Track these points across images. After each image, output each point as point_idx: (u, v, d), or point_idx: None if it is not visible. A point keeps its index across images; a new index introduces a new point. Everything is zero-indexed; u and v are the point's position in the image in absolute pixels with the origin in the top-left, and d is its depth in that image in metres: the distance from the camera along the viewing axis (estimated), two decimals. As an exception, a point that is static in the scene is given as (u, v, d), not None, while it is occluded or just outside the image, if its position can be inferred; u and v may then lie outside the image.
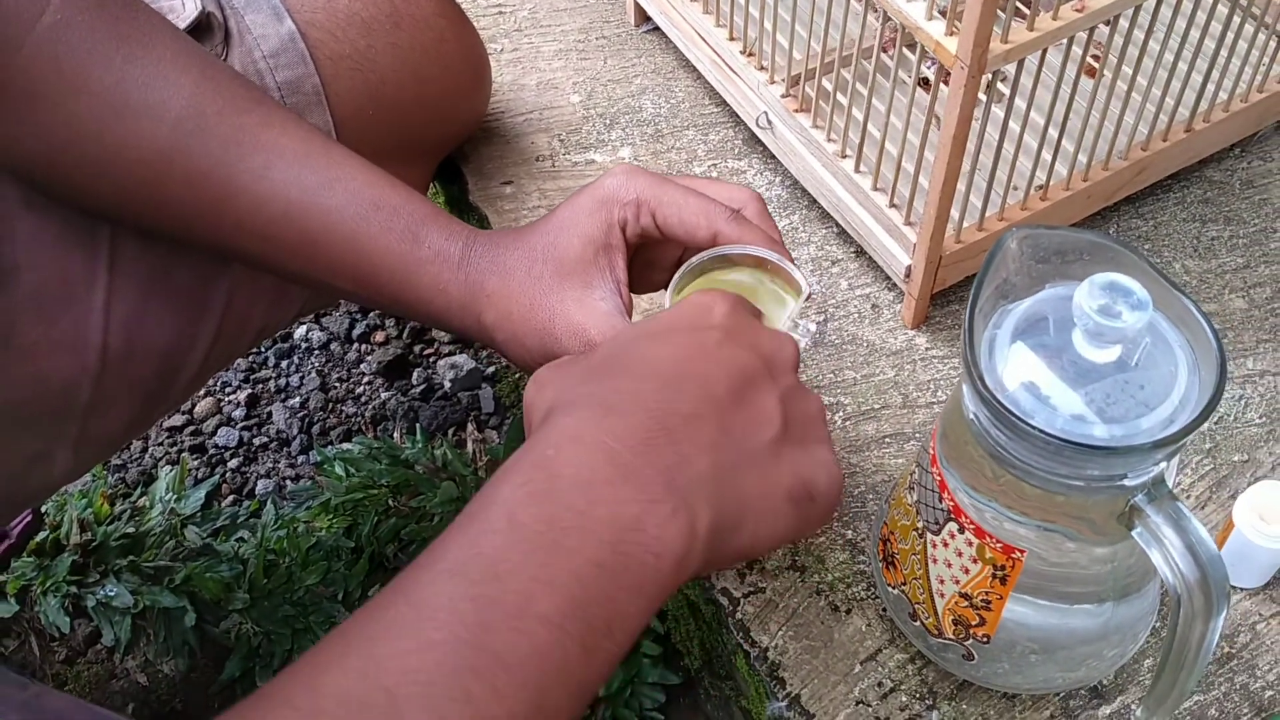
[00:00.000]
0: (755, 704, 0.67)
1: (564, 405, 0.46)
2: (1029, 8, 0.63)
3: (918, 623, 0.60)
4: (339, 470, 0.96)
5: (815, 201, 0.84)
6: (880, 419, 0.74)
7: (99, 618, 0.91)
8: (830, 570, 0.68)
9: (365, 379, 1.10)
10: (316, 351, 1.13)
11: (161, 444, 1.07)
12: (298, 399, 1.09)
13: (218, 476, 1.04)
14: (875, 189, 0.76)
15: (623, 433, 0.44)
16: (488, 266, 0.60)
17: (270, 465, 1.05)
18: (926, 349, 0.77)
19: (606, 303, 0.58)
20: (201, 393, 1.10)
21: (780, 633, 0.66)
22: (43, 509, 0.94)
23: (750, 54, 0.84)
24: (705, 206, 0.58)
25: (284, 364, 1.12)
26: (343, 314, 1.14)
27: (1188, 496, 0.70)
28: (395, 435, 1.05)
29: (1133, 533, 0.50)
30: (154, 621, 0.91)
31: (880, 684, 0.64)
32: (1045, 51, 0.65)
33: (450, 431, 1.05)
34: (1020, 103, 0.72)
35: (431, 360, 1.11)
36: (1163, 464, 0.49)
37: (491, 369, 1.09)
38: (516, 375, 1.04)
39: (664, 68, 0.96)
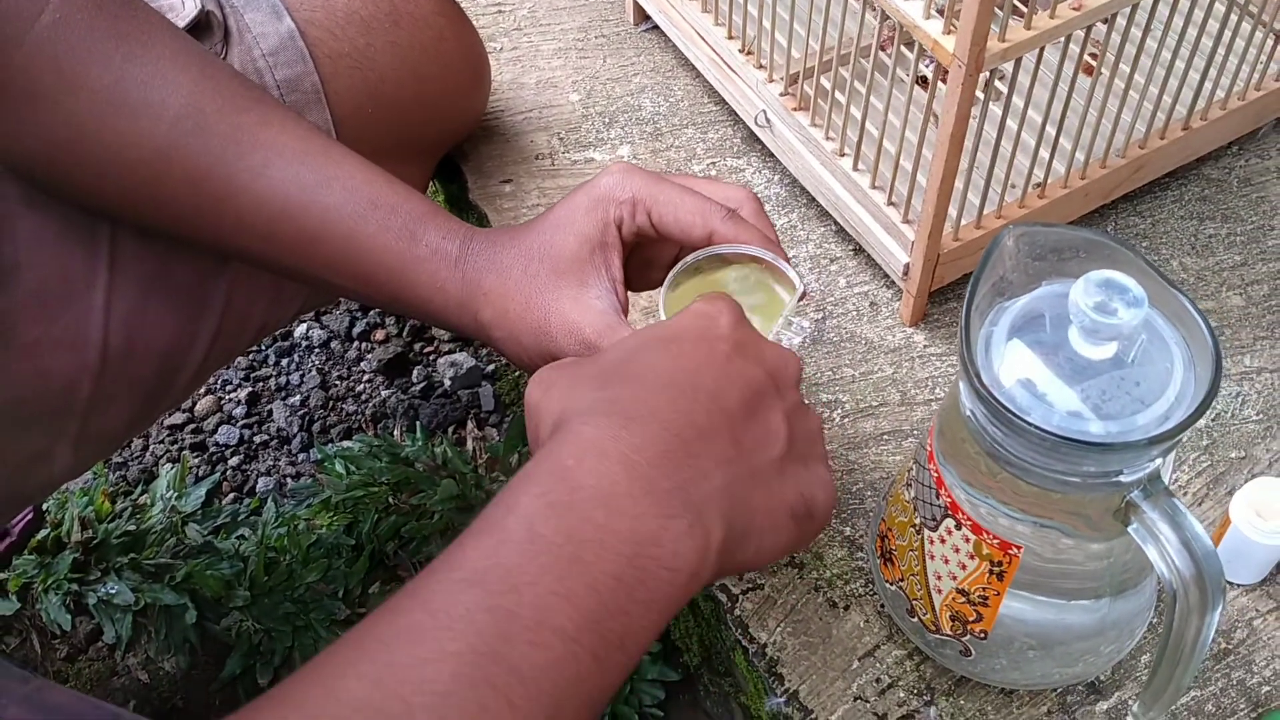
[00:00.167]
0: (754, 700, 0.67)
1: (579, 412, 0.46)
2: (1026, 6, 0.63)
3: (915, 619, 0.60)
4: (339, 468, 0.96)
5: (814, 199, 0.84)
6: (878, 416, 0.74)
7: (100, 615, 0.91)
8: (828, 567, 0.68)
9: (365, 377, 1.11)
10: (317, 349, 1.13)
11: (162, 442, 1.07)
12: (298, 397, 1.10)
13: (218, 474, 1.04)
14: (873, 187, 0.76)
15: (641, 445, 0.44)
16: (485, 265, 0.60)
17: (271, 463, 1.06)
18: (925, 346, 0.78)
19: (602, 301, 0.58)
20: (202, 391, 1.10)
21: (779, 629, 0.66)
22: (44, 506, 0.95)
23: (749, 52, 0.85)
24: (701, 205, 0.58)
25: (284, 362, 1.13)
26: (343, 312, 1.15)
27: (1185, 493, 0.70)
28: (395, 433, 1.05)
29: (1129, 529, 0.50)
30: (155, 619, 0.91)
31: (878, 680, 0.64)
32: (1043, 49, 0.66)
33: (450, 429, 1.05)
34: (1018, 100, 0.72)
35: (431, 358, 1.12)
36: (1158, 460, 0.49)
37: (491, 367, 1.09)
38: (516, 373, 1.05)
39: (663, 66, 0.96)
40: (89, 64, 0.56)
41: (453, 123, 0.85)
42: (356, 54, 0.73)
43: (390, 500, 0.95)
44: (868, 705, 0.63)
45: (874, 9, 0.68)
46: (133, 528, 0.95)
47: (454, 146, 0.90)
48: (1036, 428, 0.47)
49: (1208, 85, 0.79)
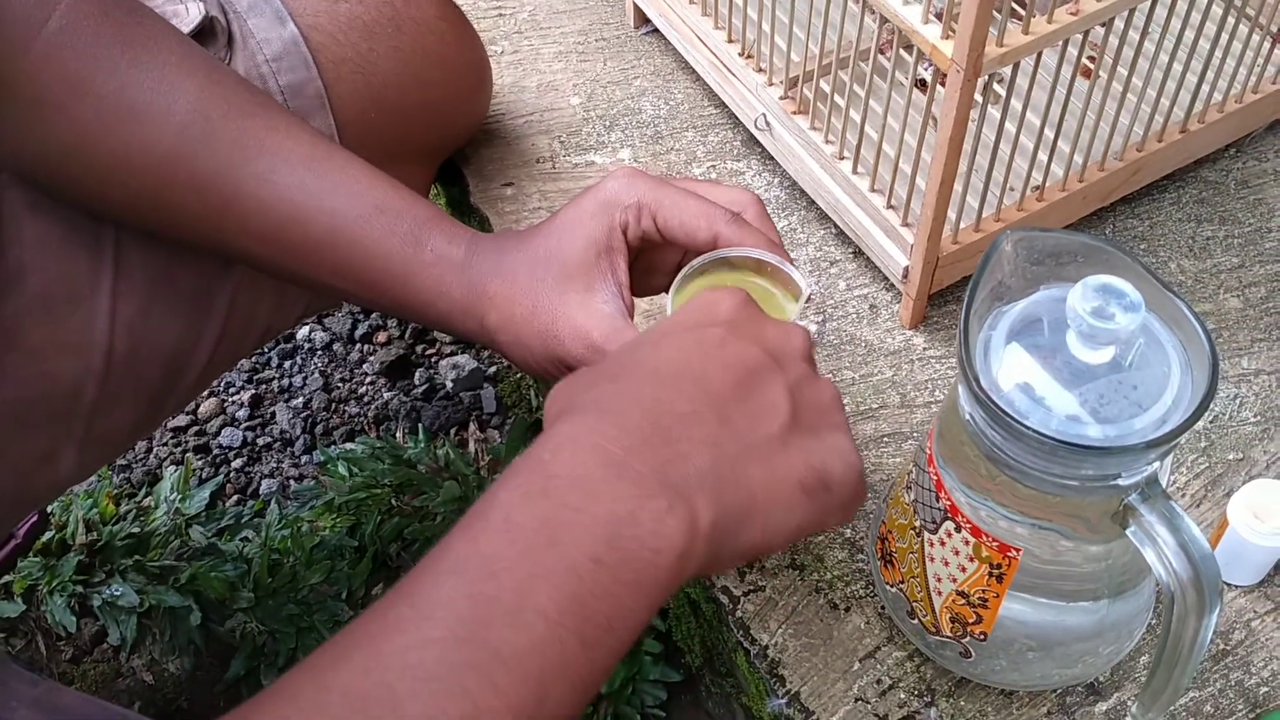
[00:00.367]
0: (755, 701, 0.67)
1: (566, 412, 0.46)
2: (1025, 10, 0.63)
3: (916, 620, 0.61)
4: (342, 470, 0.97)
5: (813, 203, 0.85)
6: (878, 418, 0.75)
7: (105, 617, 0.92)
8: (829, 569, 0.69)
9: (368, 379, 1.11)
10: (319, 352, 1.13)
11: (166, 444, 1.08)
12: (301, 399, 1.10)
13: (222, 476, 1.05)
14: (873, 190, 0.77)
15: (616, 433, 0.44)
16: (490, 269, 0.60)
17: (274, 465, 1.06)
18: (924, 349, 0.78)
19: (609, 305, 0.58)
20: (205, 393, 1.11)
21: (780, 630, 0.66)
22: (48, 509, 0.95)
23: (749, 56, 0.85)
24: (705, 209, 0.59)
25: (287, 364, 1.13)
26: (345, 315, 1.15)
27: (1183, 495, 0.71)
28: (398, 435, 1.05)
29: (1127, 531, 0.50)
30: (159, 620, 0.92)
31: (879, 681, 0.64)
32: (1041, 53, 0.66)
33: (452, 431, 1.05)
34: (1016, 104, 0.73)
35: (433, 360, 1.12)
36: (1156, 463, 0.49)
37: (493, 369, 1.10)
38: (518, 376, 1.05)
39: (663, 70, 0.97)
40: (95, 70, 0.57)
41: (455, 127, 0.86)
42: (359, 59, 0.73)
43: (393, 502, 0.95)
44: (868, 706, 0.63)
45: (873, 13, 0.68)
46: (137, 530, 0.95)
47: (456, 150, 0.91)
48: (1035, 431, 0.47)
49: (1205, 88, 0.80)
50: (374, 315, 1.15)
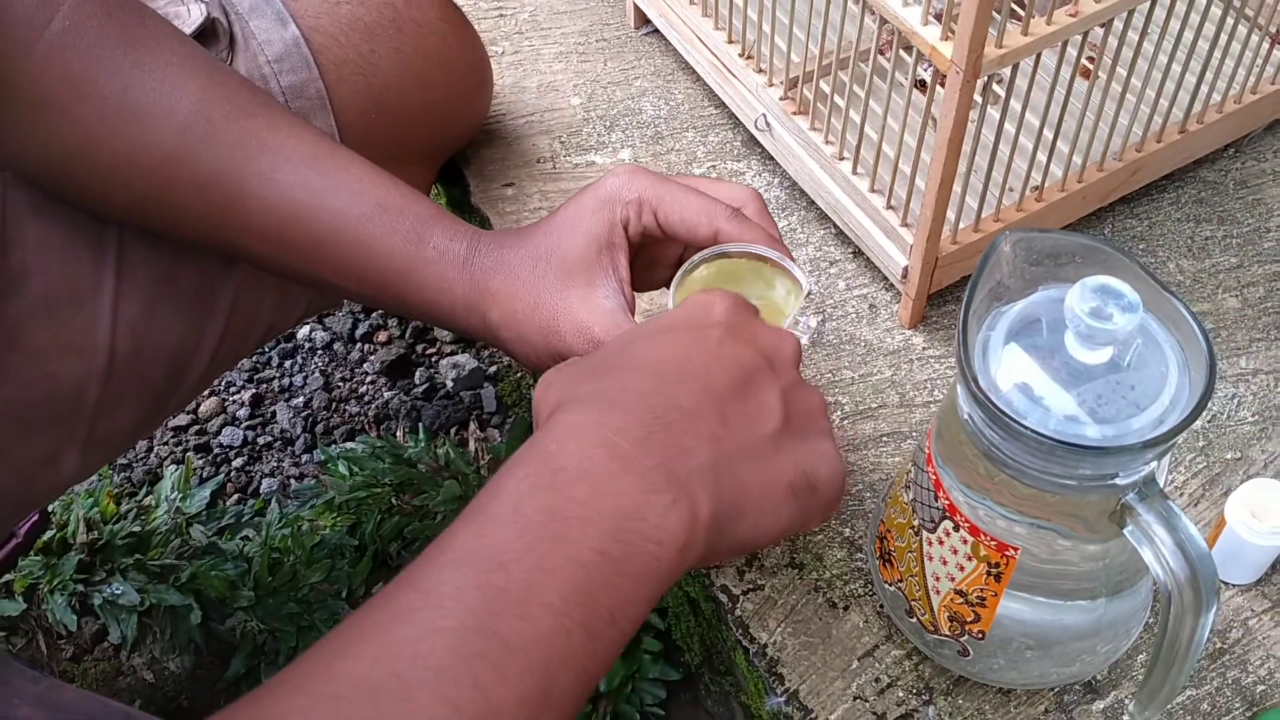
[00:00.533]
0: (754, 699, 0.68)
1: (567, 403, 0.47)
2: (1024, 11, 0.64)
3: (914, 619, 0.61)
4: (342, 469, 0.97)
5: (813, 203, 0.85)
6: (877, 418, 0.75)
7: (106, 616, 0.92)
8: (828, 567, 0.69)
9: (368, 378, 1.11)
10: (320, 351, 1.14)
11: (167, 443, 1.08)
12: (301, 398, 1.10)
13: (222, 475, 1.05)
14: (872, 190, 0.77)
15: (623, 427, 0.45)
16: (492, 266, 0.60)
17: (274, 464, 1.06)
18: (923, 349, 0.78)
19: (610, 301, 0.59)
20: (206, 393, 1.11)
21: (779, 629, 0.67)
22: (49, 508, 0.95)
23: (749, 57, 0.85)
24: (706, 205, 0.59)
25: (288, 364, 1.13)
26: (346, 314, 1.15)
27: (1181, 494, 0.71)
28: (398, 434, 1.05)
29: (1124, 531, 0.51)
30: (160, 619, 0.92)
31: (877, 679, 0.64)
32: (1040, 54, 0.66)
33: (453, 430, 1.06)
34: (1016, 104, 0.73)
35: (434, 360, 1.12)
36: (1154, 463, 0.50)
37: (493, 368, 1.10)
38: (518, 374, 1.05)
39: (663, 70, 0.97)
40: (98, 71, 0.57)
41: (456, 128, 0.86)
42: (360, 60, 0.73)
43: (393, 501, 0.95)
44: (867, 705, 0.64)
45: (873, 14, 0.69)
46: (138, 529, 0.95)
47: (456, 150, 0.91)
48: (1033, 431, 0.47)
49: (1204, 89, 0.80)
50: (374, 315, 1.15)
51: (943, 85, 0.64)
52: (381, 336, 1.14)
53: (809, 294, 0.59)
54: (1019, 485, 0.51)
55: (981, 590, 0.56)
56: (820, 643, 0.66)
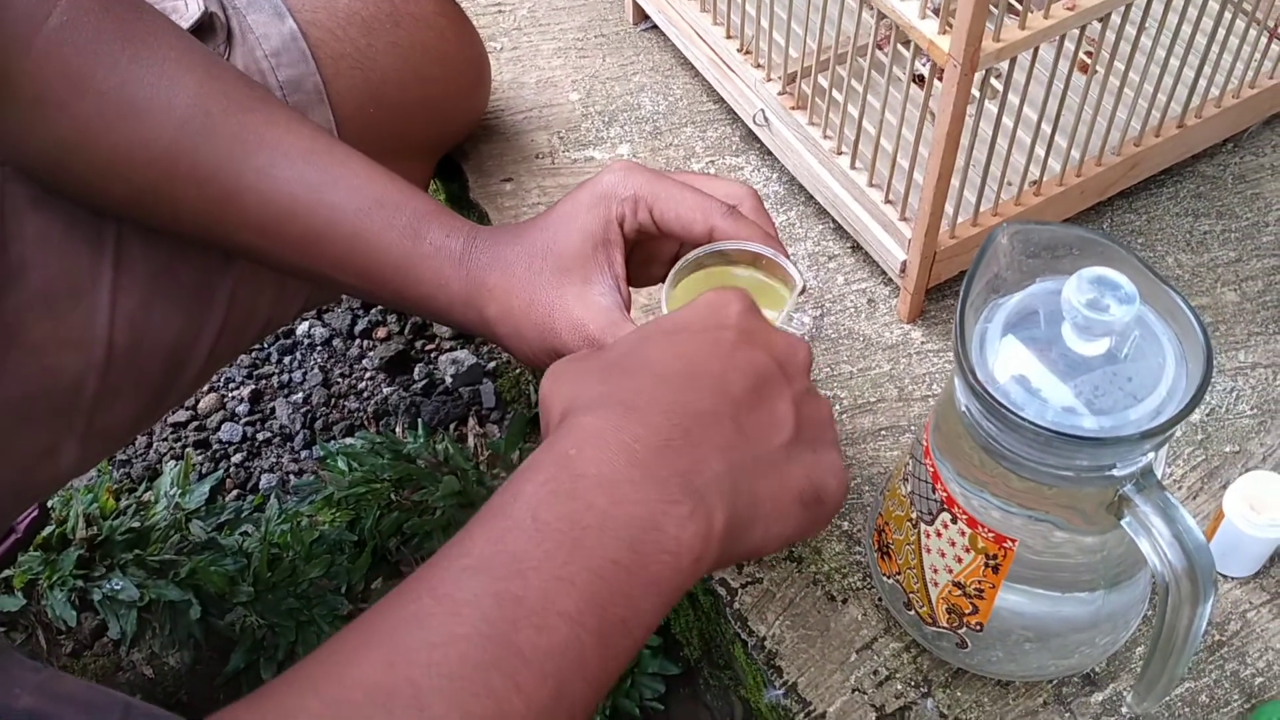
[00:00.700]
0: (753, 692, 0.68)
1: (583, 404, 0.46)
2: (1021, 5, 0.64)
3: (912, 612, 0.61)
4: (341, 465, 0.97)
5: (812, 197, 0.85)
6: (876, 412, 0.75)
7: (105, 611, 0.92)
8: (827, 561, 0.69)
9: (367, 374, 1.11)
10: (319, 347, 1.14)
11: (166, 439, 1.08)
12: (300, 394, 1.10)
13: (222, 471, 1.05)
14: (871, 185, 0.77)
15: (642, 433, 0.45)
16: (489, 262, 0.60)
17: (274, 460, 1.06)
18: (922, 343, 0.78)
19: (606, 298, 0.59)
20: (205, 389, 1.11)
21: (777, 622, 0.67)
22: (49, 504, 0.95)
23: (747, 52, 0.85)
24: (702, 202, 0.59)
25: (287, 360, 1.13)
26: (345, 310, 1.15)
27: (1180, 487, 0.71)
28: (397, 430, 1.05)
29: (1122, 522, 0.51)
30: (159, 615, 0.92)
31: (876, 672, 0.65)
32: (1038, 48, 0.66)
33: (452, 426, 1.06)
34: (1014, 99, 0.73)
35: (433, 356, 1.12)
36: (1151, 454, 0.50)
37: (492, 364, 1.10)
38: (517, 370, 1.05)
39: (662, 65, 0.97)
40: (96, 66, 0.57)
41: (454, 122, 0.86)
42: (358, 54, 0.73)
43: (392, 496, 0.95)
44: (865, 697, 0.64)
45: (871, 9, 0.69)
46: (137, 524, 0.95)
47: (455, 145, 0.91)
48: (1030, 423, 0.47)
49: (1202, 83, 0.80)
50: (373, 311, 1.16)
51: (940, 80, 0.64)
52: (380, 333, 1.14)
53: (802, 290, 0.59)
54: (1016, 477, 0.51)
55: (979, 582, 0.56)
56: (819, 635, 0.66)
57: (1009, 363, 0.50)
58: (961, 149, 0.68)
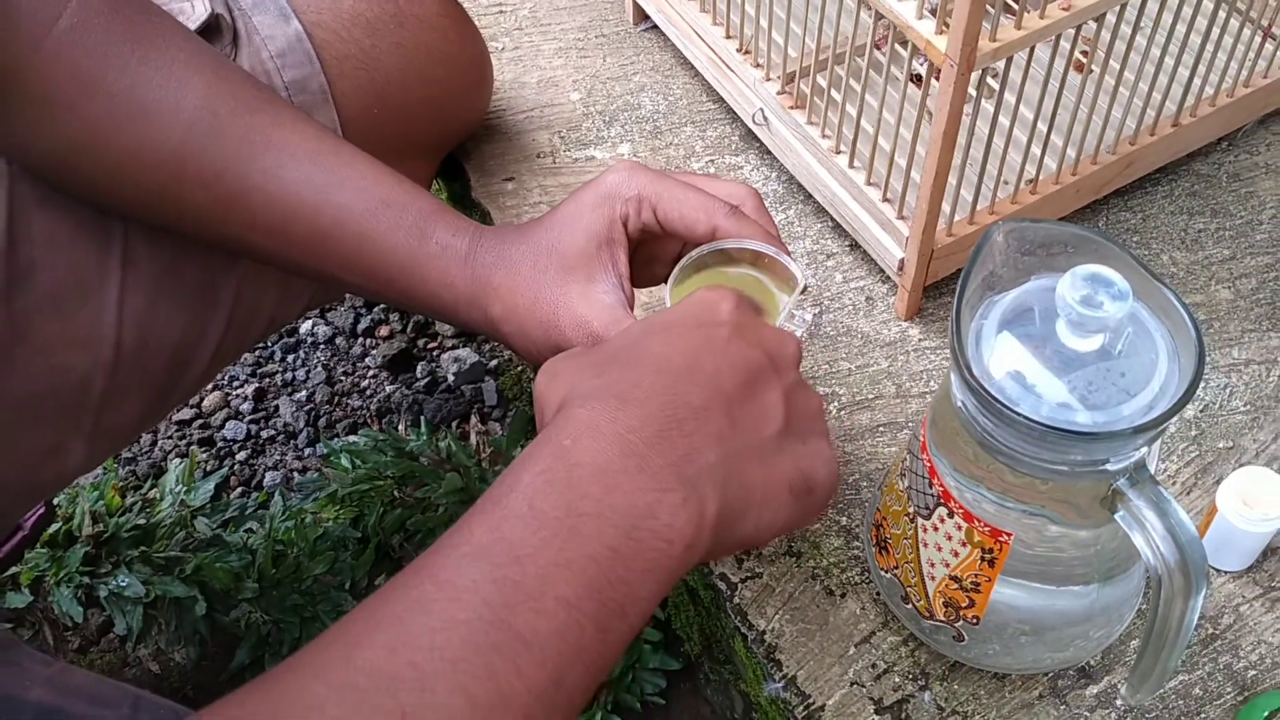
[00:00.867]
0: (753, 686, 0.68)
1: (578, 397, 0.48)
2: (1017, 5, 0.64)
3: (910, 605, 0.62)
4: (345, 462, 0.98)
5: (810, 196, 0.86)
6: (874, 409, 0.76)
7: (111, 607, 0.93)
8: (825, 555, 0.70)
9: (370, 373, 1.12)
10: (322, 346, 1.14)
11: (171, 437, 1.09)
12: (304, 393, 1.11)
13: (226, 469, 1.06)
14: (869, 184, 0.78)
15: (637, 425, 0.46)
16: (494, 261, 0.61)
17: (278, 458, 1.07)
18: (919, 340, 0.79)
19: (609, 296, 0.60)
20: (210, 387, 1.11)
21: (777, 616, 0.68)
22: (55, 501, 0.96)
23: (746, 52, 0.86)
24: (704, 202, 0.60)
25: (290, 359, 1.14)
26: (348, 309, 1.16)
27: (1174, 482, 0.72)
28: (400, 428, 1.06)
29: (1115, 516, 0.51)
30: (165, 611, 0.93)
31: (874, 665, 0.65)
32: (1034, 48, 0.67)
33: (454, 424, 1.06)
34: (1010, 98, 0.74)
35: (435, 354, 1.13)
36: (1144, 449, 0.50)
37: (494, 362, 1.11)
38: (519, 368, 1.06)
39: (662, 65, 0.98)
40: (105, 68, 0.57)
41: (456, 122, 0.87)
42: (362, 55, 0.74)
43: (395, 494, 0.96)
44: (864, 690, 0.64)
45: (868, 9, 0.69)
46: (143, 521, 0.96)
47: (457, 145, 0.92)
48: (1025, 418, 0.48)
49: (1197, 82, 0.81)
50: (376, 310, 1.16)
51: (937, 79, 0.65)
52: (383, 331, 1.15)
53: (804, 289, 0.60)
54: (1011, 472, 0.52)
55: (976, 576, 0.57)
56: (818, 629, 0.67)
57: (1004, 359, 0.51)
58: (958, 148, 0.68)
